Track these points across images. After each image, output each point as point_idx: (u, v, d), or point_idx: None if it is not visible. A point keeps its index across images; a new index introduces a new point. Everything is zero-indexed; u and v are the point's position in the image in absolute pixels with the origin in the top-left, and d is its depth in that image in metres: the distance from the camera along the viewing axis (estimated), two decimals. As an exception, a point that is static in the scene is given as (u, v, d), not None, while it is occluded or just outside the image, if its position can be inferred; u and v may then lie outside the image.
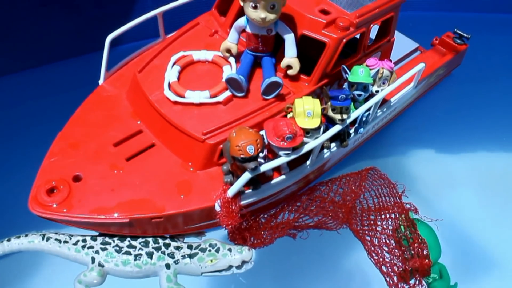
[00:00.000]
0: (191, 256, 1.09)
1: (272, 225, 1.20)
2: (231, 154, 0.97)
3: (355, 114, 1.14)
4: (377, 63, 1.20)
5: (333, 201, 1.29)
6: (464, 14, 2.12)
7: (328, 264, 1.21)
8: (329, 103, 1.09)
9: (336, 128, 1.10)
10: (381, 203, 1.32)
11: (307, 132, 1.05)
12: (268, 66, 1.14)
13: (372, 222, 1.28)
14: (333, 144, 1.19)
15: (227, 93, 1.12)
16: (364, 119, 1.22)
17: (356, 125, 1.23)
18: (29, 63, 1.64)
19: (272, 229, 1.20)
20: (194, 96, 1.10)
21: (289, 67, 1.14)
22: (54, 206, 1.02)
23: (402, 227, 1.22)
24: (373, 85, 1.19)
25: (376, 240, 1.24)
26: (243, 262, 1.11)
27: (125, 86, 1.25)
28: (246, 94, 1.13)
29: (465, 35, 1.63)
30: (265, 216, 1.23)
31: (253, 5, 1.04)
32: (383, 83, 1.21)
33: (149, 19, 1.27)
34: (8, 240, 1.10)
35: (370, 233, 1.25)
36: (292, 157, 1.03)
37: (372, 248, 1.23)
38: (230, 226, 1.04)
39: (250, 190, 1.07)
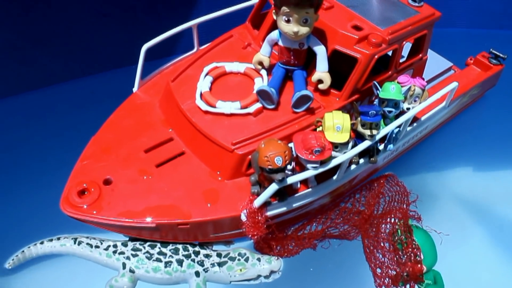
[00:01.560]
0: (220, 264, 1.10)
1: (299, 235, 1.20)
2: (259, 165, 0.97)
3: (385, 130, 1.13)
4: (409, 80, 1.19)
5: (358, 211, 1.29)
6: (503, 31, 2.09)
7: (343, 272, 1.22)
8: (359, 119, 1.09)
9: (365, 144, 1.10)
10: (388, 208, 1.32)
11: (335, 146, 1.06)
12: (299, 80, 1.15)
13: (375, 225, 1.28)
14: (362, 160, 1.18)
15: (258, 105, 1.13)
16: (394, 135, 1.21)
17: (386, 141, 1.22)
18: (78, 72, 1.70)
19: (299, 240, 1.19)
20: (225, 107, 1.12)
21: (320, 81, 1.15)
22: (85, 207, 1.05)
23: (399, 231, 1.22)
24: (404, 102, 1.19)
25: (374, 241, 1.24)
26: (272, 272, 1.11)
27: (158, 95, 1.28)
28: (277, 107, 1.14)
29: (501, 55, 1.60)
30: (292, 228, 1.23)
31: (286, 18, 1.05)
32: (415, 101, 1.20)
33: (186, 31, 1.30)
34: (41, 243, 1.13)
35: (371, 234, 1.25)
36: (320, 170, 1.03)
37: (368, 250, 1.23)
38: (256, 237, 1.04)
39: (276, 202, 1.07)
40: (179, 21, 1.32)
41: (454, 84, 1.30)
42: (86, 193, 1.08)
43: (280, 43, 1.13)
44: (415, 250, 1.15)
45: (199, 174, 1.12)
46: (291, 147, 1.03)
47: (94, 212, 1.05)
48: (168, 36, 1.29)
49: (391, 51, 1.20)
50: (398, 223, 1.25)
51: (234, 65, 1.22)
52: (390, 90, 1.14)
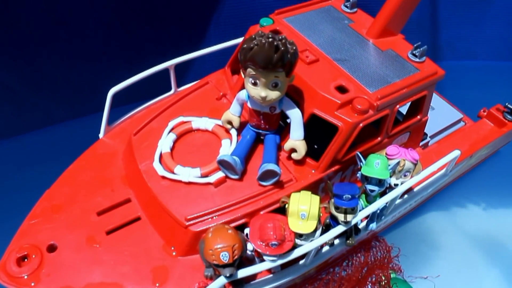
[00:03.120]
0: None
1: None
2: (204, 257, 0.85)
3: (364, 212, 0.98)
4: (399, 152, 1.03)
5: (342, 277, 1.17)
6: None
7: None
8: (332, 200, 0.94)
9: (338, 230, 0.95)
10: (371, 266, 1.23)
11: (300, 234, 0.92)
12: (269, 147, 1.01)
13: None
14: (337, 241, 1.03)
15: (220, 174, 1.00)
16: (378, 213, 1.06)
17: (368, 219, 1.07)
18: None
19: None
20: (184, 174, 1.00)
21: (293, 150, 1.01)
22: (23, 277, 0.96)
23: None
24: (391, 176, 1.03)
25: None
26: None
27: (124, 143, 1.17)
28: (242, 177, 1.01)
29: None
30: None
31: (253, 81, 0.92)
32: (405, 175, 1.04)
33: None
34: None
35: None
36: (278, 262, 0.90)
37: None
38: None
39: (231, 289, 0.95)
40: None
41: (455, 153, 1.13)
42: (26, 259, 0.98)
43: (249, 105, 0.99)
44: None
45: (151, 246, 1.01)
46: (247, 234, 0.90)
47: (32, 284, 0.96)
48: (139, 79, 1.17)
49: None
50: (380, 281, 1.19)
51: (202, 121, 1.09)
52: (374, 166, 0.98)
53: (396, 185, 1.04)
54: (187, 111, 1.12)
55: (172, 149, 1.06)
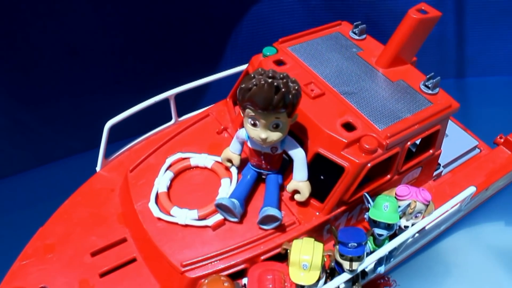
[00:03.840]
0: None
1: None
2: None
3: (371, 258, 0.92)
4: (410, 193, 0.97)
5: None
6: None
7: None
8: (337, 247, 0.88)
9: (343, 278, 0.89)
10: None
11: (302, 286, 0.86)
12: (271, 188, 0.95)
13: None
14: (342, 286, 0.97)
15: (218, 217, 0.95)
16: (386, 256, 0.99)
17: (376, 262, 1.00)
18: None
19: None
20: (180, 216, 0.95)
21: (297, 191, 0.95)
22: None
23: None
24: (401, 218, 0.97)
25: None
26: None
27: (122, 176, 1.13)
28: (242, 220, 0.95)
29: None
30: None
31: (252, 122, 0.86)
32: (416, 217, 0.98)
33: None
34: None
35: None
36: (279, 316, 0.84)
37: None
38: None
39: None
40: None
41: (470, 190, 1.06)
42: None
43: (249, 144, 0.94)
44: None
45: None
46: (245, 284, 0.85)
47: (19, 332, 0.91)
48: (137, 111, 1.12)
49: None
50: None
51: (201, 157, 1.04)
52: (382, 209, 0.92)
53: (406, 227, 0.97)
54: (186, 146, 1.07)
55: (169, 188, 1.01)
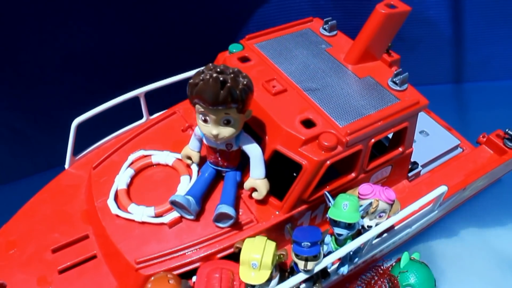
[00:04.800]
0: None
1: None
2: None
3: (331, 257, 0.89)
4: (373, 191, 0.94)
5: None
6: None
7: None
8: (292, 246, 0.86)
9: (299, 278, 0.87)
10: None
11: (252, 285, 0.84)
12: (228, 186, 0.94)
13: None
14: (303, 286, 0.95)
15: (175, 214, 0.93)
16: (350, 256, 0.97)
17: (339, 263, 0.97)
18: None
19: None
20: (137, 213, 0.94)
21: (255, 189, 0.93)
22: None
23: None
24: (364, 217, 0.94)
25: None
26: None
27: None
28: (199, 217, 0.94)
29: None
30: None
31: (203, 118, 0.85)
32: (380, 216, 0.95)
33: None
34: None
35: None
36: (227, 316, 0.82)
37: None
38: None
39: None
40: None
41: (442, 189, 1.02)
42: None
43: (204, 141, 0.92)
44: None
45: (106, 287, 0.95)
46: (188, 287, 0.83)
47: (-25, 328, 0.91)
48: (105, 109, 1.12)
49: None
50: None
51: (163, 155, 1.03)
52: (342, 208, 0.89)
53: (369, 226, 0.94)
54: (150, 144, 1.06)
55: (129, 185, 1.00)
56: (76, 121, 1.10)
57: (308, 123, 0.93)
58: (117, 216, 0.95)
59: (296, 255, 0.86)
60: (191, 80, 0.81)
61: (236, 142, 0.90)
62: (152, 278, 0.81)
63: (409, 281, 1.06)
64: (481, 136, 1.32)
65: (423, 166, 1.25)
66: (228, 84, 0.78)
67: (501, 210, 1.39)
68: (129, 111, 1.18)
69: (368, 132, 0.93)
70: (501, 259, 1.29)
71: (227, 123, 0.84)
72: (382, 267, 1.12)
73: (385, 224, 0.94)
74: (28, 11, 1.25)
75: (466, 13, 1.67)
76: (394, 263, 1.12)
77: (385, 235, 1.04)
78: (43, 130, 1.50)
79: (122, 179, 0.99)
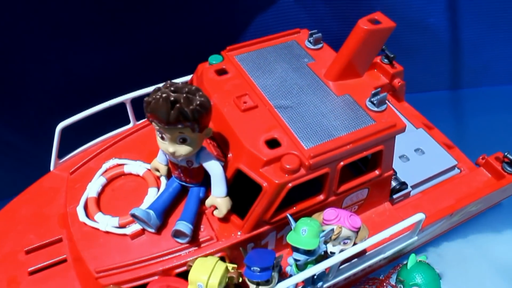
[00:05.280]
0: None
1: None
2: None
3: (284, 284, 0.87)
4: (337, 217, 0.91)
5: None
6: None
7: None
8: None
9: (254, 301, 0.85)
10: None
11: (200, 306, 0.83)
12: (189, 202, 0.94)
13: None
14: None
15: (137, 226, 0.94)
16: (315, 279, 0.94)
17: (302, 286, 0.95)
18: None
19: None
20: (103, 222, 0.95)
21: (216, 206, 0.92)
22: None
23: None
24: (328, 242, 0.91)
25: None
26: None
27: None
28: (160, 231, 0.94)
29: None
30: None
31: (160, 135, 0.84)
32: (344, 243, 0.92)
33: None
34: None
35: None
36: (173, 335, 0.82)
37: None
38: None
39: None
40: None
41: (419, 217, 0.98)
42: None
43: (167, 156, 0.92)
44: None
45: None
46: None
47: None
48: (91, 114, 1.14)
49: None
50: None
51: (135, 165, 1.04)
52: (300, 234, 0.87)
53: (332, 253, 0.91)
54: (126, 153, 1.07)
55: (100, 193, 1.02)
56: (60, 125, 1.13)
57: (273, 143, 0.90)
58: (85, 224, 0.97)
59: (248, 279, 0.84)
60: (146, 98, 0.81)
61: (197, 160, 0.89)
62: (101, 290, 0.83)
63: (415, 281, 1.09)
64: (480, 157, 1.24)
65: (414, 186, 1.19)
66: (178, 105, 0.77)
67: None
68: (125, 115, 1.20)
69: (336, 155, 0.90)
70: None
71: (183, 141, 0.83)
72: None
73: (349, 251, 0.91)
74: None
75: (465, 18, 1.61)
76: (401, 265, 1.15)
77: (354, 260, 1.00)
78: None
79: (93, 187, 1.01)
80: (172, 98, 0.77)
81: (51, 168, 1.18)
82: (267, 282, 0.84)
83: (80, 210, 0.98)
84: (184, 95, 0.78)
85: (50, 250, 1.03)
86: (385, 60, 1.44)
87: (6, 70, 1.32)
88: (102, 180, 1.02)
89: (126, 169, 1.03)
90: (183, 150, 0.84)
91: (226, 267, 0.84)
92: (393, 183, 1.15)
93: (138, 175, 1.03)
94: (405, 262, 1.14)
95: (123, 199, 1.00)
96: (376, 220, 1.08)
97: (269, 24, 1.60)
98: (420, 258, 1.14)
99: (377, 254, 1.03)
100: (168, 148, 0.84)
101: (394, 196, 1.14)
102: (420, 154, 1.27)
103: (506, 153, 1.18)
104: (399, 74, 1.44)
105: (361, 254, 1.00)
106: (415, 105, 1.49)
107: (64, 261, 1.01)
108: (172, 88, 0.79)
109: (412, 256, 1.11)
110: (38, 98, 1.43)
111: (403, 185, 1.16)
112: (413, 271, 1.09)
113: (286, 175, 0.87)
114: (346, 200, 1.02)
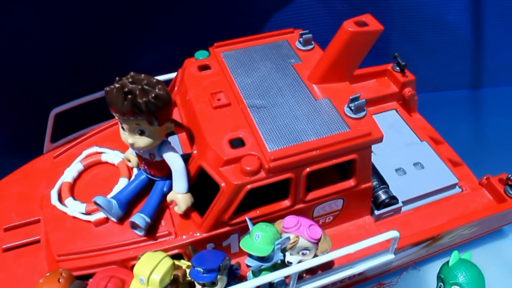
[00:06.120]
0: None
1: None
2: None
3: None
4: (297, 225, 0.87)
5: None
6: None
7: None
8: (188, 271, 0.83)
9: (196, 305, 0.84)
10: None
11: (142, 300, 0.82)
12: (153, 195, 0.93)
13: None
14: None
15: (101, 215, 0.95)
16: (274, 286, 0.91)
17: (260, 294, 0.92)
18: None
19: None
20: (71, 207, 0.97)
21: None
22: None
23: None
24: (285, 251, 0.88)
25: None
26: None
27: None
28: (123, 221, 0.94)
29: None
30: None
31: (121, 125, 0.85)
32: (303, 254, 0.88)
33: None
34: None
35: None
36: (113, 326, 0.82)
37: None
38: None
39: None
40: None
41: (392, 234, 0.91)
42: None
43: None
44: None
45: (37, 273, 1.00)
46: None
47: None
48: (83, 102, 1.17)
49: None
50: None
51: (112, 154, 1.05)
52: (253, 239, 0.84)
53: (290, 262, 0.88)
54: (108, 142, 1.09)
55: (76, 179, 1.04)
56: (54, 111, 1.16)
57: (236, 143, 0.88)
58: (55, 207, 0.99)
59: (192, 279, 0.83)
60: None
61: (158, 153, 0.88)
62: (47, 274, 0.84)
63: (457, 280, 0.98)
64: (484, 177, 1.15)
65: (407, 202, 1.12)
66: (130, 96, 0.77)
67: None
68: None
69: (300, 160, 0.86)
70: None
71: (142, 133, 0.83)
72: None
73: (308, 263, 0.87)
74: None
75: (485, 18, 1.54)
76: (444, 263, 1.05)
77: (319, 272, 0.95)
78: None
79: (69, 173, 1.03)
80: (126, 89, 0.77)
81: (44, 151, 1.22)
82: (213, 284, 0.82)
83: (53, 193, 1.01)
84: (140, 86, 0.78)
85: (27, 230, 1.06)
86: (397, 68, 1.37)
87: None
88: (79, 167, 1.04)
89: (103, 158, 1.05)
90: (141, 142, 0.84)
91: (173, 264, 0.82)
92: (383, 196, 1.08)
93: (113, 164, 1.04)
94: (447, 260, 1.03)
95: (95, 187, 1.01)
96: (353, 234, 1.02)
97: (287, 20, 1.57)
98: (464, 256, 1.04)
99: (346, 269, 0.97)
100: (128, 139, 0.84)
101: (383, 210, 1.08)
102: (419, 169, 1.20)
103: (509, 175, 1.08)
104: (411, 83, 1.36)
105: (327, 267, 0.95)
106: (432, 104, 1.42)
107: (37, 241, 1.04)
108: (130, 79, 0.79)
109: (455, 253, 1.01)
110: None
111: (392, 199, 1.09)
112: (454, 269, 0.99)
113: (247, 177, 0.85)
114: (318, 209, 0.97)
